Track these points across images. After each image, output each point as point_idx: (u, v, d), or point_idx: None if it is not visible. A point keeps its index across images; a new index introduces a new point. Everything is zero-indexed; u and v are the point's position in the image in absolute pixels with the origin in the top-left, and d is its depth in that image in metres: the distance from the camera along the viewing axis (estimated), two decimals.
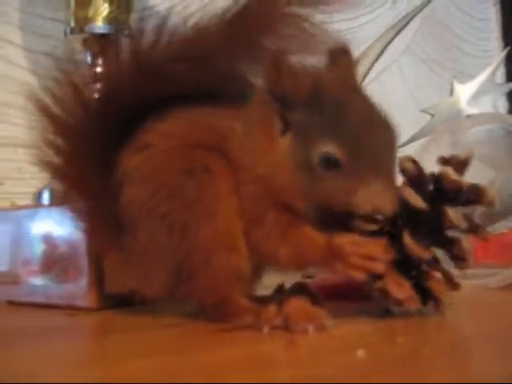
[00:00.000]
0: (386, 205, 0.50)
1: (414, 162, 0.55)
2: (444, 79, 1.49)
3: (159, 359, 0.42)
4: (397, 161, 0.54)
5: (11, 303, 0.75)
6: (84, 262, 0.67)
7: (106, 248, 0.62)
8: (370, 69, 1.01)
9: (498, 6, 1.75)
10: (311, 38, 0.58)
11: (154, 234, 0.55)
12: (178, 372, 0.38)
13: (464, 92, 1.03)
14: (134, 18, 0.85)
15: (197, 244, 0.53)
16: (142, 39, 0.60)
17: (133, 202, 0.56)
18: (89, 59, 0.83)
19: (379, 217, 0.51)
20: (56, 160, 0.63)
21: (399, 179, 0.55)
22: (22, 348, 0.48)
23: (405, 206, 0.52)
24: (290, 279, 0.61)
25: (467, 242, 0.53)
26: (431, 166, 0.57)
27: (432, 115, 1.02)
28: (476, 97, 1.03)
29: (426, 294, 0.54)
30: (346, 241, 0.51)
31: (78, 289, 0.67)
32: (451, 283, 0.55)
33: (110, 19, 0.82)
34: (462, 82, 1.08)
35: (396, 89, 1.46)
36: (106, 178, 0.58)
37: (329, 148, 0.50)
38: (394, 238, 0.52)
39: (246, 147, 0.54)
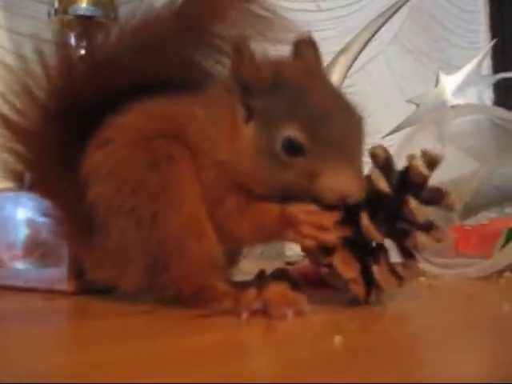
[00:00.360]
0: (352, 191, 0.50)
1: (385, 149, 0.54)
2: (430, 70, 1.50)
3: (136, 345, 0.42)
4: (363, 147, 0.53)
5: None
6: (65, 247, 0.66)
7: (80, 249, 0.61)
8: (356, 58, 1.01)
9: None
10: (263, 23, 0.57)
11: (124, 229, 0.54)
12: (154, 358, 0.37)
13: (450, 83, 1.03)
14: (118, 1, 0.84)
15: (167, 234, 0.53)
16: (95, 37, 0.60)
17: (100, 200, 0.56)
18: (72, 41, 0.82)
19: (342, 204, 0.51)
20: (19, 166, 0.63)
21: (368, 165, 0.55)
22: (1, 332, 0.48)
23: (368, 188, 0.51)
24: (270, 265, 0.61)
25: (422, 237, 0.53)
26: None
27: (417, 105, 1.02)
28: (462, 88, 1.03)
29: (370, 282, 0.53)
30: (299, 209, 0.51)
31: (59, 273, 0.67)
32: (396, 276, 0.54)
33: (94, 1, 0.81)
34: (449, 73, 1.08)
35: (382, 79, 1.46)
36: (71, 178, 0.58)
37: (290, 132, 0.50)
38: (352, 218, 0.52)
39: (206, 132, 0.54)
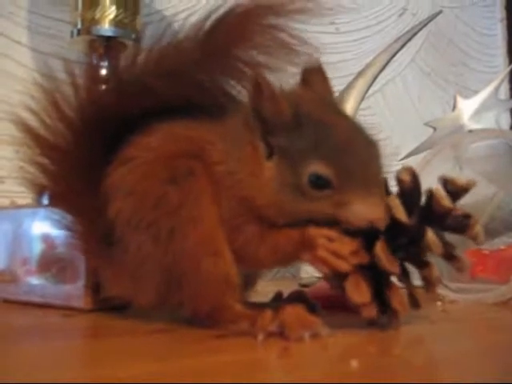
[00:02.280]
0: (380, 218, 0.51)
1: (414, 174, 0.54)
2: (448, 93, 1.50)
3: (150, 364, 0.42)
4: (383, 173, 0.54)
5: (7, 301, 0.75)
6: (81, 263, 0.67)
7: (98, 263, 0.62)
8: (373, 81, 1.01)
9: (505, 22, 1.75)
10: (288, 49, 0.58)
11: (142, 244, 0.55)
12: (167, 377, 0.38)
13: (467, 107, 1.03)
14: (140, 22, 0.85)
15: (183, 250, 0.53)
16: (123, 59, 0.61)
17: (120, 215, 0.56)
18: (94, 61, 0.84)
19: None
20: (43, 180, 0.64)
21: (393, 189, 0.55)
22: (16, 347, 0.48)
23: (389, 216, 0.52)
24: (285, 287, 0.61)
25: (436, 270, 0.53)
26: (432, 180, 0.57)
27: (434, 129, 1.02)
28: (479, 112, 1.03)
29: (385, 305, 0.53)
30: (319, 233, 0.52)
31: (75, 290, 0.67)
32: (413, 300, 0.55)
33: (116, 22, 0.82)
34: (466, 97, 1.08)
35: (399, 101, 1.46)
36: (93, 194, 0.59)
37: (316, 168, 0.51)
38: (371, 243, 0.52)
39: (227, 164, 0.54)
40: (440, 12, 1.17)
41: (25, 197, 0.93)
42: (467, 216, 0.54)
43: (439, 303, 0.69)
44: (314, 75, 0.57)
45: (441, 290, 0.74)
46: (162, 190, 0.54)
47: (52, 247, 0.71)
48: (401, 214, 0.52)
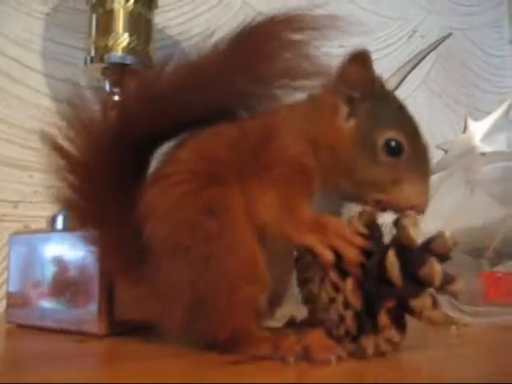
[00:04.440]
0: (423, 205, 0.55)
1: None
2: (458, 114, 1.50)
3: None
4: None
5: (21, 326, 0.75)
6: (95, 287, 0.67)
7: (125, 282, 0.62)
8: None
9: None
10: (311, 63, 0.59)
11: (177, 267, 0.55)
12: None
13: (478, 129, 1.03)
14: (153, 48, 0.86)
15: (218, 277, 0.53)
16: (149, 73, 0.63)
17: (155, 236, 0.57)
18: (107, 88, 0.85)
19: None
20: (72, 196, 0.64)
21: None
22: (29, 374, 0.48)
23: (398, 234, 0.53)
24: (297, 310, 0.61)
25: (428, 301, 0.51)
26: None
27: (446, 151, 1.02)
28: (490, 134, 1.03)
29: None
30: (333, 220, 0.54)
31: (88, 314, 0.67)
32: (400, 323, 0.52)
33: (129, 49, 0.83)
34: (477, 118, 1.08)
35: None
36: (124, 209, 0.59)
37: (396, 134, 0.55)
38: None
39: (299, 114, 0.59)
40: (449, 35, 1.18)
41: (38, 221, 0.95)
42: (448, 275, 0.52)
43: (454, 327, 0.68)
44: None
45: (456, 314, 0.73)
46: (199, 219, 0.55)
47: (64, 271, 0.71)
48: (414, 233, 0.52)
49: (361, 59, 0.57)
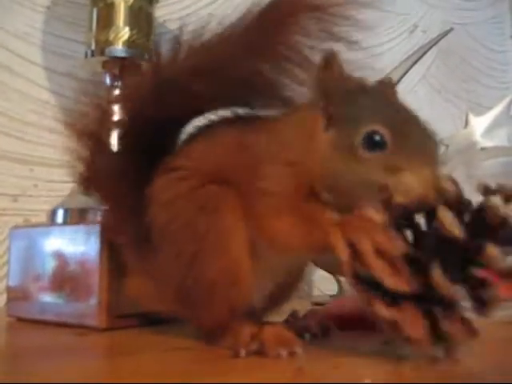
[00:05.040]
0: (429, 190, 0.47)
1: (454, 182, 0.48)
2: (460, 110, 1.50)
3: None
4: (440, 157, 0.51)
5: (21, 320, 0.75)
6: (95, 281, 0.67)
7: (132, 254, 0.63)
8: None
9: None
10: (335, 33, 0.57)
11: (169, 256, 0.56)
12: None
13: (479, 124, 1.03)
14: (153, 42, 0.86)
15: (201, 275, 0.54)
16: (160, 57, 0.62)
17: (155, 222, 0.58)
18: (108, 81, 0.84)
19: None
20: (87, 172, 0.65)
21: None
22: (30, 367, 0.48)
23: (437, 232, 0.46)
24: (299, 305, 0.61)
25: (497, 289, 0.46)
26: None
27: (447, 146, 1.02)
28: (491, 129, 1.03)
29: (439, 335, 0.47)
30: (359, 217, 0.49)
31: (88, 308, 0.67)
32: (469, 329, 0.48)
33: (130, 43, 0.83)
34: (478, 113, 1.08)
35: None
36: (140, 187, 0.60)
37: (374, 127, 0.49)
38: (418, 267, 0.46)
39: (279, 140, 0.54)
40: (451, 29, 1.18)
41: (38, 215, 0.95)
42: None
43: None
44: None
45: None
46: (192, 216, 0.55)
47: (65, 265, 0.71)
48: (456, 230, 0.46)
49: (328, 63, 0.52)
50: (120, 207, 0.64)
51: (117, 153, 0.65)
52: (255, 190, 0.53)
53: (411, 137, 0.50)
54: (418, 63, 1.11)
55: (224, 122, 0.61)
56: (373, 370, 0.47)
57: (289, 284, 0.62)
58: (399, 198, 0.48)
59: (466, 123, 1.04)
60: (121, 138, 0.64)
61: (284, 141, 0.54)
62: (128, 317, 0.66)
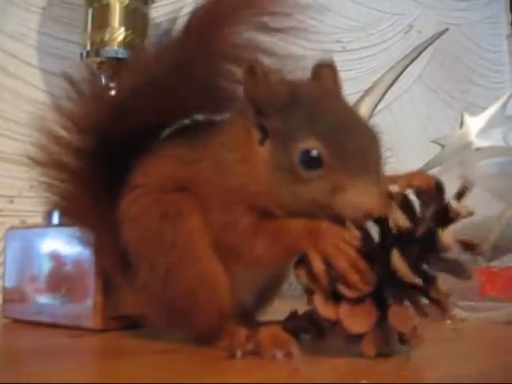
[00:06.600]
0: (376, 208, 0.47)
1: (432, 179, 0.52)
2: (455, 110, 1.50)
3: None
4: (382, 162, 0.50)
5: (17, 321, 0.75)
6: (91, 282, 0.67)
7: (119, 278, 0.63)
8: (381, 99, 1.02)
9: (511, 39, 1.76)
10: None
11: (147, 271, 0.56)
12: None
13: (474, 124, 1.03)
14: (148, 43, 0.86)
15: (179, 285, 0.54)
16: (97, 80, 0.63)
17: (129, 241, 0.58)
18: (104, 82, 0.84)
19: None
20: (66, 196, 0.66)
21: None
22: (25, 369, 0.48)
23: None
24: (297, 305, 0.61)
25: (442, 285, 0.50)
26: None
27: (442, 146, 1.02)
28: (486, 129, 1.03)
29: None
30: (326, 222, 0.49)
31: (84, 309, 0.67)
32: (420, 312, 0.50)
33: (125, 44, 0.83)
34: (474, 113, 1.08)
35: (406, 118, 1.46)
36: (107, 215, 0.60)
37: (307, 144, 0.48)
38: (376, 261, 0.49)
39: (219, 163, 0.54)
40: (446, 30, 1.18)
41: (34, 216, 0.94)
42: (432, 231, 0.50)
43: (449, 322, 0.69)
44: (324, 70, 0.55)
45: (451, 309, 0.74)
46: (158, 226, 0.55)
47: (61, 266, 0.71)
48: (400, 220, 0.48)
49: (254, 74, 0.50)
50: (98, 230, 0.64)
51: (84, 177, 0.64)
52: (212, 222, 0.53)
53: (349, 148, 0.48)
54: (414, 63, 1.11)
55: (174, 135, 0.61)
56: (369, 370, 0.47)
57: (276, 280, 0.62)
58: (347, 215, 0.48)
59: (462, 123, 1.04)
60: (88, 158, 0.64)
61: (221, 164, 0.53)
62: (123, 318, 0.66)
